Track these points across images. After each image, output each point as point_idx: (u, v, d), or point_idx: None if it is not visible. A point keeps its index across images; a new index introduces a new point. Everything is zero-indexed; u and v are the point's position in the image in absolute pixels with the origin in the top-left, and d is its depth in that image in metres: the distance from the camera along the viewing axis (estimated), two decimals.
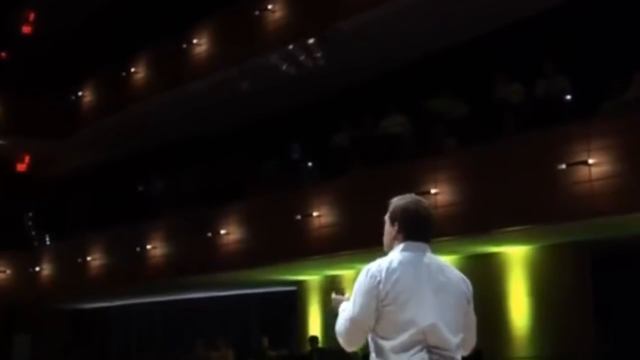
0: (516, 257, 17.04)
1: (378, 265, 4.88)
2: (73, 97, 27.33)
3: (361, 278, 4.88)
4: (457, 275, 5.02)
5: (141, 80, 24.70)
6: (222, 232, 20.47)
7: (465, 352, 4.99)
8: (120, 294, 26.51)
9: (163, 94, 23.32)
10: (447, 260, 5.20)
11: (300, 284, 22.16)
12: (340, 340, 4.96)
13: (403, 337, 4.76)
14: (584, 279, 16.06)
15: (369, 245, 11.69)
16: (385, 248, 5.09)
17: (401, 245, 4.98)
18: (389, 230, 5.09)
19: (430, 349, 4.75)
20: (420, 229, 5.01)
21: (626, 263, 15.46)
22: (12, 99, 27.99)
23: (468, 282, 5.04)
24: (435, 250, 5.03)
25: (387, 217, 5.11)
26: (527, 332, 16.69)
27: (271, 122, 22.69)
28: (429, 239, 5.03)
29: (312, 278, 21.63)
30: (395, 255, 4.94)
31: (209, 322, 25.63)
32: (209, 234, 20.64)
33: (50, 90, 27.40)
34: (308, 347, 19.83)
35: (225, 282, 22.71)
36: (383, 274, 4.82)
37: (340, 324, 4.94)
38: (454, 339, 4.82)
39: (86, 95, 27.21)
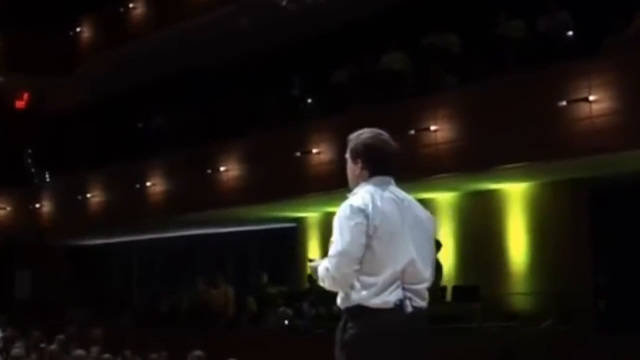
0: (516, 194, 17.05)
1: (362, 200, 4.83)
2: (72, 34, 27.18)
3: (346, 213, 4.82)
4: (423, 210, 5.03)
5: (140, 16, 24.52)
6: (222, 169, 20.46)
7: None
8: (120, 231, 26.57)
9: (162, 30, 23.15)
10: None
11: (300, 221, 22.20)
12: (328, 283, 4.86)
13: (386, 274, 4.76)
14: (582, 216, 16.08)
15: None
16: (351, 185, 5.03)
17: (371, 181, 4.94)
18: (352, 167, 5.02)
19: (404, 286, 4.78)
20: (384, 162, 4.98)
21: (625, 200, 15.46)
22: (10, 35, 27.78)
23: (432, 216, 5.05)
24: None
25: (348, 155, 5.05)
26: (525, 268, 16.76)
27: (271, 59, 22.55)
28: (394, 172, 5.00)
29: (312, 215, 21.65)
30: (372, 190, 4.89)
31: (208, 259, 25.71)
32: (209, 171, 20.63)
33: (48, 26, 27.17)
34: (307, 285, 19.92)
35: (225, 219, 22.74)
36: (370, 209, 4.79)
37: (326, 265, 4.85)
38: (427, 273, 4.88)
39: (85, 32, 27.05)
